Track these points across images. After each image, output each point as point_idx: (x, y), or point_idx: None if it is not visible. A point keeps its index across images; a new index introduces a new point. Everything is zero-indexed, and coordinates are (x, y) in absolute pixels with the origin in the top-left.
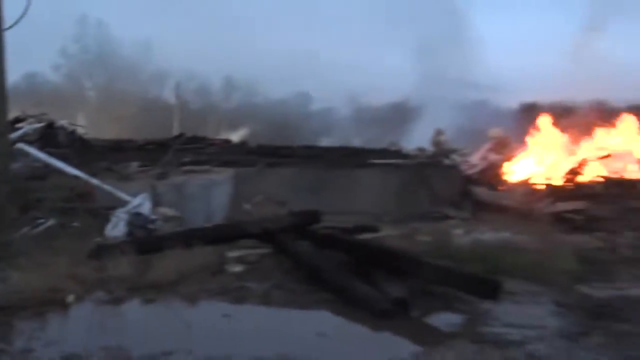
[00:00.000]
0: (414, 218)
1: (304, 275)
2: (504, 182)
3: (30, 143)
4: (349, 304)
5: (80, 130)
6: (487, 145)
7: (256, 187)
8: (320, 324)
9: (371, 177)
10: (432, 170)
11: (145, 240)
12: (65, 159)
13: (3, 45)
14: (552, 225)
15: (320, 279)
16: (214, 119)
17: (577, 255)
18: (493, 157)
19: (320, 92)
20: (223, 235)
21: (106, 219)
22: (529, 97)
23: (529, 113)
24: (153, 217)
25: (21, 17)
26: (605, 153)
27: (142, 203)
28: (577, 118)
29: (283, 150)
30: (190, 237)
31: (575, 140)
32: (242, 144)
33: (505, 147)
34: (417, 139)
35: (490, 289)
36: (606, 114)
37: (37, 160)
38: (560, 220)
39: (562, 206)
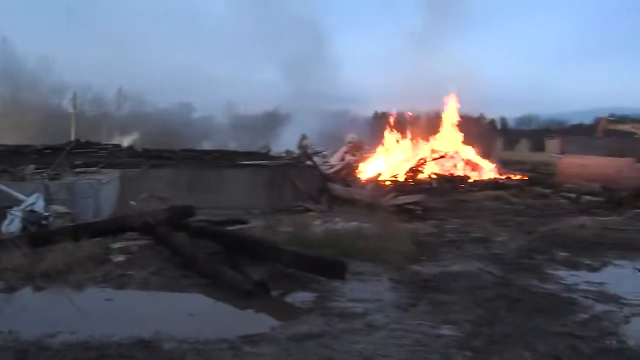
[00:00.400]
0: (279, 211)
1: (180, 263)
2: (357, 180)
3: None
4: (218, 287)
5: None
6: (344, 148)
7: (141, 186)
8: (192, 305)
9: (241, 176)
10: (295, 169)
11: (37, 235)
12: None
13: None
14: (394, 215)
15: (194, 265)
16: (107, 126)
17: (412, 240)
18: (349, 158)
19: (201, 102)
20: (107, 228)
21: (3, 217)
22: (381, 108)
23: (380, 121)
24: (46, 214)
25: None
26: (438, 155)
27: (35, 202)
28: (418, 125)
29: (165, 153)
30: (78, 231)
31: (416, 144)
32: (130, 148)
33: (360, 149)
34: (285, 143)
35: (337, 270)
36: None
37: None
38: (402, 210)
39: (403, 199)
